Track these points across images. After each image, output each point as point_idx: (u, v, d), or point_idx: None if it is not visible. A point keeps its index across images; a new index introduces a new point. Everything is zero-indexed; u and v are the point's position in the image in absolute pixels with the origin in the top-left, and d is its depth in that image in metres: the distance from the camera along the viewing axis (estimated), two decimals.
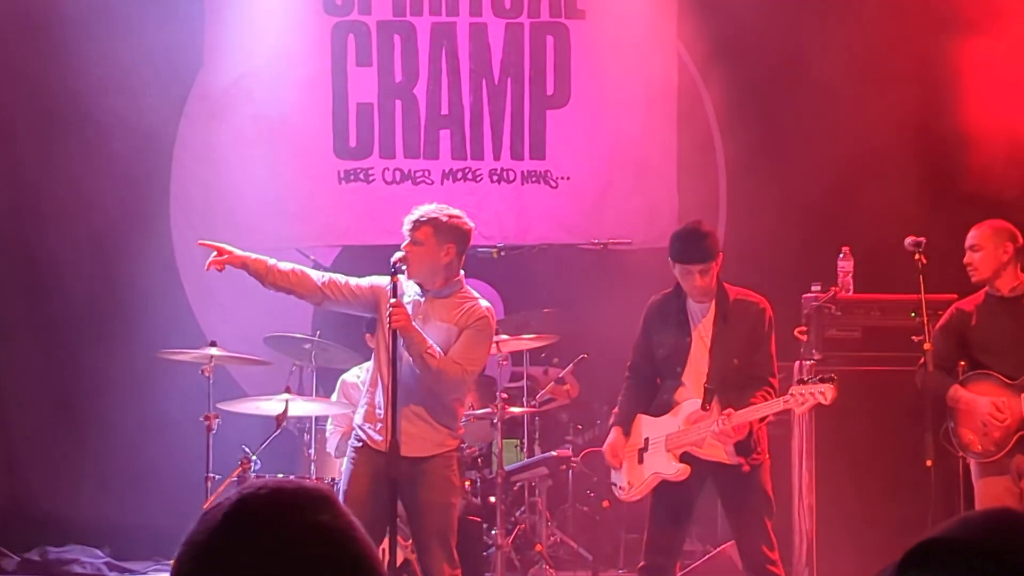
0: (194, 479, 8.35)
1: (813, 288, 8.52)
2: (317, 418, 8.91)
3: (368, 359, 7.81)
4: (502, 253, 9.94)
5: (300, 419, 8.92)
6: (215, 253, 6.72)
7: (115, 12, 10.18)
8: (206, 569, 1.91)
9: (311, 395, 9.05)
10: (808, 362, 8.31)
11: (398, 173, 10.78)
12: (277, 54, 10.71)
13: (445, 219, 6.69)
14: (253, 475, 8.25)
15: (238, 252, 6.75)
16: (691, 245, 6.70)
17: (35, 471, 9.87)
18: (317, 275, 6.85)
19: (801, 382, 6.67)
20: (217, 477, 8.27)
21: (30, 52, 10.23)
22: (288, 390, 8.50)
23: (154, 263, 10.39)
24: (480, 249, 9.62)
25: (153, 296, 10.23)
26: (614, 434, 6.93)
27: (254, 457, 8.27)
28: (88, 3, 10.08)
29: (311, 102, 10.77)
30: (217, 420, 8.29)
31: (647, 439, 6.82)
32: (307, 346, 9.20)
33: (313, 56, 10.77)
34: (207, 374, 8.33)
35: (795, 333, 8.39)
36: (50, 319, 10.14)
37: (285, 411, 8.23)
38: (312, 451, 8.93)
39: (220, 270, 6.78)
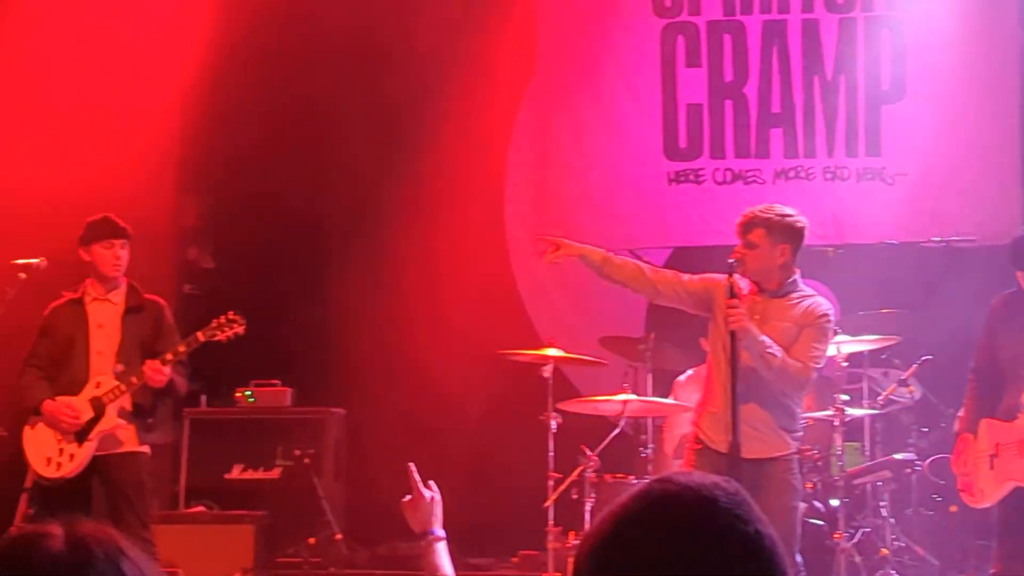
0: (535, 478, 8.48)
1: None
2: (653, 418, 8.94)
3: (702, 362, 7.79)
4: (838, 252, 9.78)
5: (636, 419, 8.97)
6: (552, 248, 6.83)
7: (447, 22, 10.43)
8: (631, 564, 1.88)
9: (646, 396, 9.07)
10: None
11: (729, 173, 10.72)
12: (607, 57, 10.80)
13: (778, 219, 6.61)
14: (591, 475, 8.33)
15: (574, 245, 6.85)
16: None
17: (383, 468, 10.17)
18: (650, 270, 6.88)
19: None
20: (558, 477, 8.38)
21: (366, 64, 10.57)
22: (624, 391, 8.56)
23: (488, 264, 10.61)
24: (815, 248, 9.49)
25: (487, 297, 10.43)
26: (963, 442, 6.72)
27: (594, 457, 8.34)
28: (421, 15, 10.36)
29: (641, 104, 10.81)
30: (557, 420, 8.41)
31: (998, 444, 6.60)
32: (642, 347, 9.24)
33: (642, 58, 10.80)
34: (547, 375, 8.46)
35: None
36: (390, 320, 10.44)
37: (624, 411, 8.29)
38: (649, 452, 8.96)
39: (558, 263, 6.88)
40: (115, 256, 7.56)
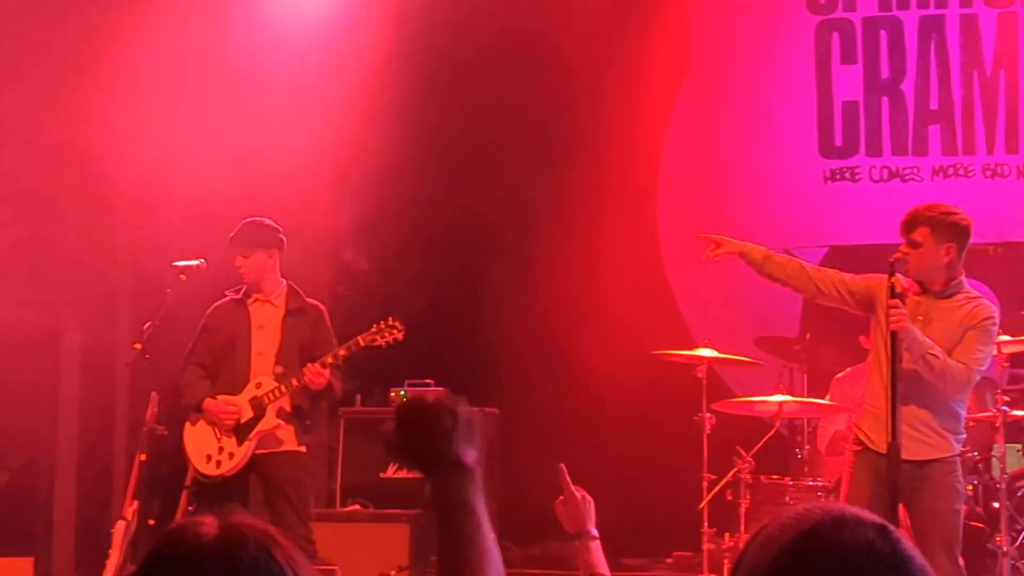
0: (690, 478, 8.44)
1: None
2: (808, 419, 8.84)
3: (861, 360, 7.68)
4: (998, 250, 9.59)
5: (791, 420, 8.88)
6: (712, 246, 6.81)
7: (601, 22, 10.41)
8: None
9: (801, 396, 8.97)
10: None
11: (885, 171, 10.55)
12: (761, 55, 10.71)
13: (942, 217, 6.48)
14: (746, 476, 8.25)
15: (734, 242, 6.81)
16: None
17: (537, 467, 10.18)
18: (812, 268, 6.81)
19: None
20: (712, 478, 8.33)
21: (520, 66, 10.59)
22: (779, 391, 8.47)
23: (641, 264, 10.57)
24: (975, 247, 9.29)
25: (641, 296, 10.38)
26: None
27: (749, 458, 8.27)
28: (574, 16, 10.36)
29: (795, 102, 10.70)
30: (711, 420, 8.35)
31: None
32: (797, 347, 9.15)
33: (797, 56, 10.70)
34: (701, 375, 8.40)
35: None
36: (544, 320, 10.44)
37: (779, 412, 8.20)
38: (804, 453, 8.86)
39: (718, 261, 6.84)
40: (235, 267, 7.69)
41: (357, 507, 9.57)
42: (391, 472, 9.82)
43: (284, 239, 7.80)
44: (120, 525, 8.17)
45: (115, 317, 10.51)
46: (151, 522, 8.05)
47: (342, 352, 7.53)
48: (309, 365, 7.46)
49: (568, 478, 3.81)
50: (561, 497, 3.80)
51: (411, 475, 9.80)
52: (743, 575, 1.89)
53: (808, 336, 9.18)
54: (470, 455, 2.62)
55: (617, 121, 10.51)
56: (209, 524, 2.00)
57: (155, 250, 8.65)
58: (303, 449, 7.68)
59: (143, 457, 7.56)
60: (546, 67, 10.59)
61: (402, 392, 10.08)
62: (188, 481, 8.38)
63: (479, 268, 11.01)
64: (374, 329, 7.54)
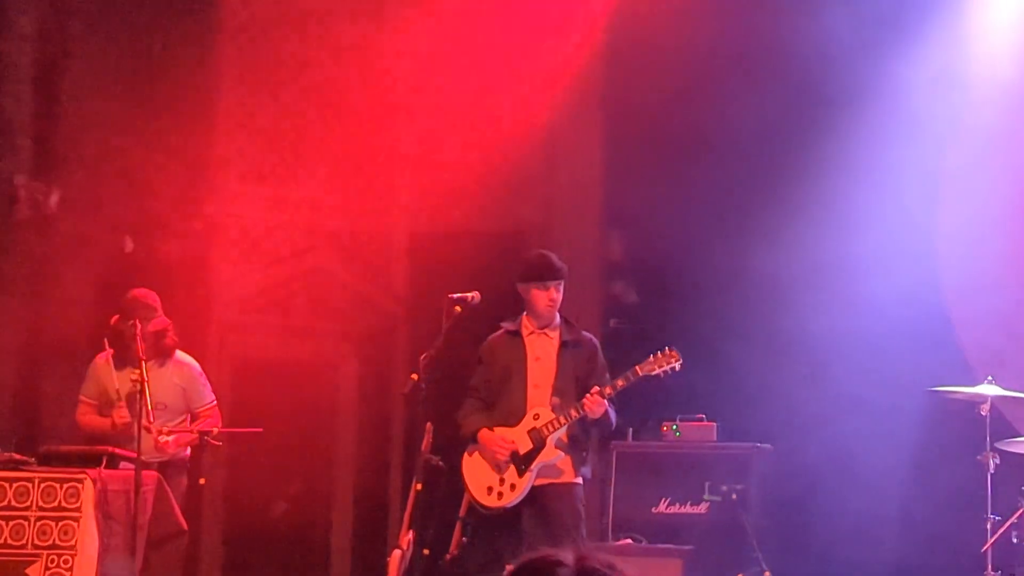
0: (972, 520, 8.15)
1: None
2: None
3: None
4: None
5: None
6: None
7: None
8: None
9: None
10: None
11: None
12: None
13: None
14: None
15: None
16: None
17: (814, 506, 9.98)
18: None
19: None
20: (996, 519, 8.02)
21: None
22: None
23: (918, 295, 10.24)
24: None
25: (918, 329, 10.03)
26: None
27: None
28: None
29: None
30: (995, 460, 8.06)
31: None
32: None
33: None
34: (983, 412, 8.11)
35: None
36: (817, 355, 10.19)
37: None
38: None
39: None
40: (550, 297, 7.73)
41: (629, 541, 9.52)
42: (663, 507, 9.75)
43: None
44: (396, 554, 8.31)
45: (391, 348, 10.72)
46: (426, 552, 8.16)
47: (620, 383, 7.53)
48: (589, 395, 7.48)
49: None
50: None
51: (684, 510, 9.72)
52: None
53: None
54: None
55: None
56: (566, 567, 2.13)
57: (429, 282, 8.78)
58: (580, 480, 7.69)
59: (419, 487, 7.67)
60: None
61: (674, 427, 10.01)
62: (463, 512, 8.47)
63: (749, 301, 10.79)
64: (651, 359, 7.52)
